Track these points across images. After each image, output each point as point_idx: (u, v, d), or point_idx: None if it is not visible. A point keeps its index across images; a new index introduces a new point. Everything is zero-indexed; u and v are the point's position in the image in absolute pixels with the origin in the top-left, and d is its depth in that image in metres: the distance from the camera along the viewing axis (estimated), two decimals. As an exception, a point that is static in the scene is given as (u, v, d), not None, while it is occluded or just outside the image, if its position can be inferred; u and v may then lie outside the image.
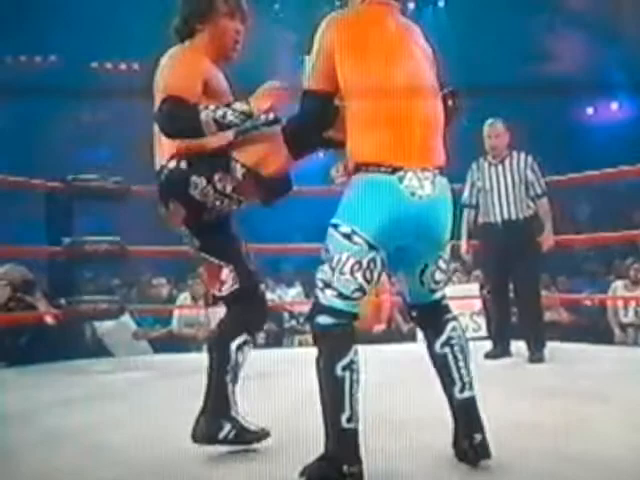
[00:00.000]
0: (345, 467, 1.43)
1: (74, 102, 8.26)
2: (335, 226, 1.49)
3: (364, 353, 1.51)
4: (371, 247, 1.47)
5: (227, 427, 1.68)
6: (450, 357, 1.58)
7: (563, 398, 2.29)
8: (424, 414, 1.87)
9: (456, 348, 1.59)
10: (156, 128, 1.70)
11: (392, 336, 4.64)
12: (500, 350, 3.26)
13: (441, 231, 1.56)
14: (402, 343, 4.23)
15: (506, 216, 3.24)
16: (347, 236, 1.47)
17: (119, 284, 5.84)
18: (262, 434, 1.71)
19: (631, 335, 4.80)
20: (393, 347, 3.79)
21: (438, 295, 1.63)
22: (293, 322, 4.79)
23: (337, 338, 1.48)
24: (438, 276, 1.60)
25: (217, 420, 1.68)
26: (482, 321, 4.22)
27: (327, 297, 1.49)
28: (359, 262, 1.47)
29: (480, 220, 3.35)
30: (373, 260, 1.48)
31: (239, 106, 1.60)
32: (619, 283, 4.97)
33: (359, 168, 1.49)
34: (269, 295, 5.24)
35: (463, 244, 3.40)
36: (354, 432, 1.45)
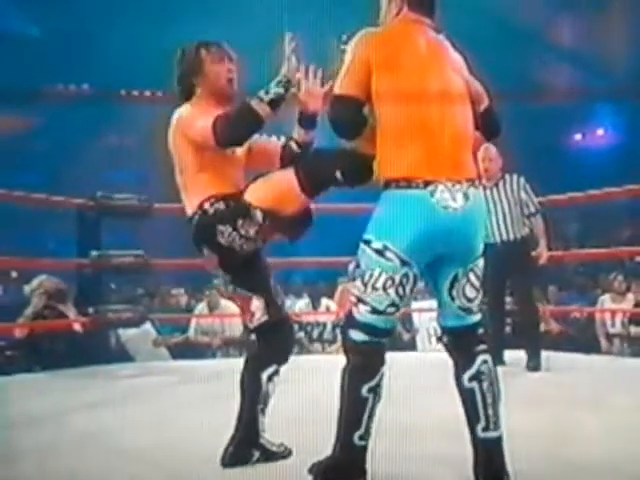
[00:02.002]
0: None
1: (105, 128, 8.37)
2: (367, 242, 1.42)
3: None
4: (404, 263, 1.39)
5: (257, 454, 1.68)
6: (477, 393, 1.44)
7: (558, 405, 2.27)
8: (426, 421, 1.86)
9: (485, 384, 1.45)
10: (181, 179, 1.70)
11: (394, 344, 4.61)
12: (494, 359, 3.24)
13: (473, 241, 1.47)
14: (403, 352, 4.21)
15: (505, 237, 3.22)
16: (379, 252, 1.40)
17: (141, 294, 5.87)
18: (285, 453, 1.70)
19: (617, 345, 4.76)
20: (394, 355, 3.77)
21: (472, 319, 1.49)
22: (301, 334, 4.76)
23: (368, 357, 1.42)
24: (469, 292, 1.47)
25: (247, 449, 1.68)
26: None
27: (361, 312, 1.42)
28: (392, 278, 1.39)
29: None
30: (406, 276, 1.40)
31: (276, 79, 1.61)
32: (606, 297, 4.95)
33: (390, 184, 1.43)
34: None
35: None
36: (364, 449, 1.42)
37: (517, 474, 1.44)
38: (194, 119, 1.65)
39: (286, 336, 1.74)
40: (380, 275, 1.40)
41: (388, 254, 1.40)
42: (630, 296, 4.88)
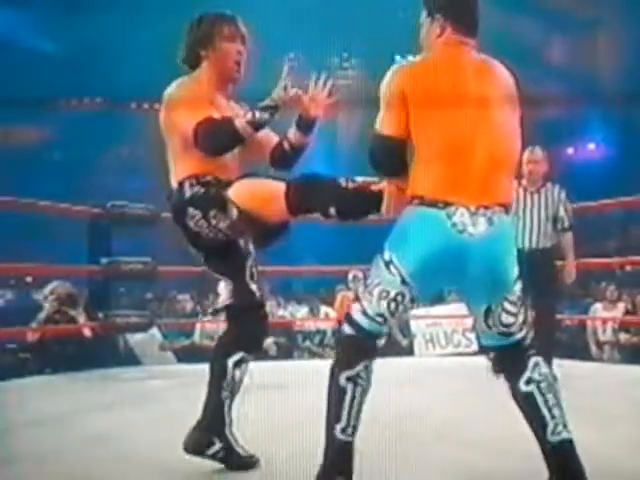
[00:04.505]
0: (335, 478, 1.33)
1: (115, 139, 8.42)
2: (382, 250, 1.38)
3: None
4: (404, 281, 1.33)
5: (217, 445, 1.59)
6: (537, 395, 1.34)
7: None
8: (423, 425, 1.86)
9: (543, 384, 1.35)
10: (169, 154, 1.64)
11: (391, 350, 4.61)
12: None
13: (499, 271, 1.35)
14: (400, 357, 4.21)
15: (534, 245, 3.05)
16: (386, 263, 1.35)
17: (149, 299, 5.88)
18: (250, 461, 1.61)
19: (607, 352, 4.75)
20: (391, 361, 3.77)
21: (516, 338, 1.39)
22: (307, 343, 4.74)
23: (350, 347, 1.37)
24: (505, 319, 1.37)
25: (209, 436, 1.59)
26: (473, 337, 4.20)
27: (354, 310, 1.39)
28: (387, 291, 1.34)
29: None
30: (401, 294, 1.34)
31: (265, 102, 1.55)
32: (598, 305, 4.95)
33: (412, 200, 1.37)
34: (280, 311, 5.25)
35: None
36: (347, 445, 1.34)
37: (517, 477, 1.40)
38: (184, 103, 1.58)
39: (253, 323, 1.63)
40: (378, 285, 1.36)
41: (392, 268, 1.35)
42: (621, 304, 4.88)
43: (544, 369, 1.38)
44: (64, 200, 3.76)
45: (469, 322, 4.29)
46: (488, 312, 1.38)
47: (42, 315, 3.57)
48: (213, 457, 1.61)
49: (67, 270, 3.93)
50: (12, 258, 4.09)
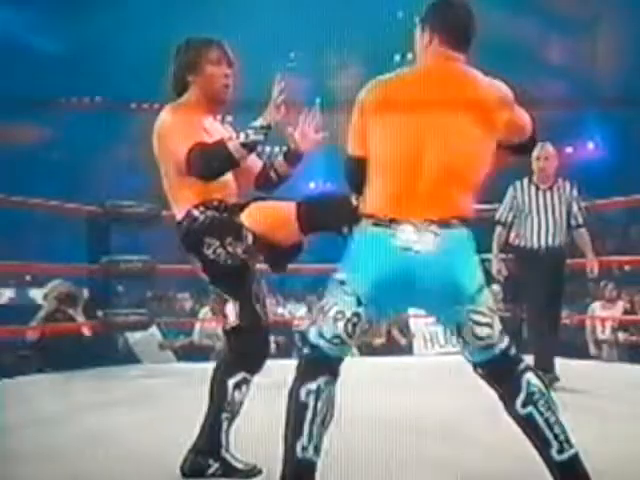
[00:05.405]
0: None
1: (115, 138, 8.41)
2: (336, 270, 1.35)
3: (365, 364, 1.45)
4: (359, 302, 1.29)
5: (215, 466, 1.58)
6: (537, 416, 1.28)
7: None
8: (423, 423, 1.85)
9: (541, 403, 1.29)
10: (166, 183, 1.63)
11: (391, 349, 4.61)
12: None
13: (455, 285, 1.29)
14: (400, 356, 4.21)
15: (550, 243, 2.98)
16: (340, 283, 1.32)
17: (149, 298, 5.88)
18: (252, 472, 1.59)
19: (606, 350, 4.76)
20: (391, 360, 3.77)
21: (498, 348, 1.32)
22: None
23: (309, 364, 1.32)
24: (480, 332, 1.30)
25: (205, 459, 1.58)
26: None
27: (312, 334, 1.33)
28: (343, 312, 1.30)
29: (516, 242, 3.09)
30: (357, 315, 1.29)
31: (257, 123, 1.54)
32: (597, 304, 4.95)
33: (362, 218, 1.34)
34: (279, 310, 5.24)
35: (494, 263, 3.05)
36: (309, 464, 1.26)
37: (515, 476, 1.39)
38: (176, 130, 1.58)
39: (257, 344, 1.62)
40: (334, 305, 1.31)
41: (346, 288, 1.31)
42: (619, 303, 4.89)
43: (538, 385, 1.32)
44: (64, 198, 3.76)
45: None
46: (459, 327, 1.32)
47: (42, 314, 3.57)
48: (213, 475, 1.61)
49: (66, 269, 3.93)
50: (12, 257, 4.09)
